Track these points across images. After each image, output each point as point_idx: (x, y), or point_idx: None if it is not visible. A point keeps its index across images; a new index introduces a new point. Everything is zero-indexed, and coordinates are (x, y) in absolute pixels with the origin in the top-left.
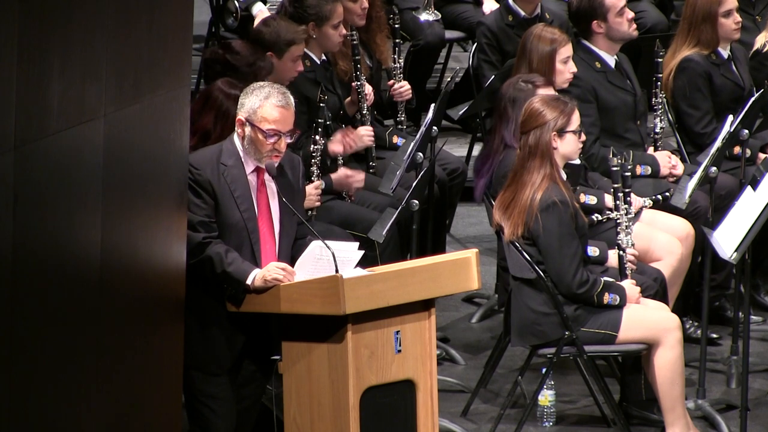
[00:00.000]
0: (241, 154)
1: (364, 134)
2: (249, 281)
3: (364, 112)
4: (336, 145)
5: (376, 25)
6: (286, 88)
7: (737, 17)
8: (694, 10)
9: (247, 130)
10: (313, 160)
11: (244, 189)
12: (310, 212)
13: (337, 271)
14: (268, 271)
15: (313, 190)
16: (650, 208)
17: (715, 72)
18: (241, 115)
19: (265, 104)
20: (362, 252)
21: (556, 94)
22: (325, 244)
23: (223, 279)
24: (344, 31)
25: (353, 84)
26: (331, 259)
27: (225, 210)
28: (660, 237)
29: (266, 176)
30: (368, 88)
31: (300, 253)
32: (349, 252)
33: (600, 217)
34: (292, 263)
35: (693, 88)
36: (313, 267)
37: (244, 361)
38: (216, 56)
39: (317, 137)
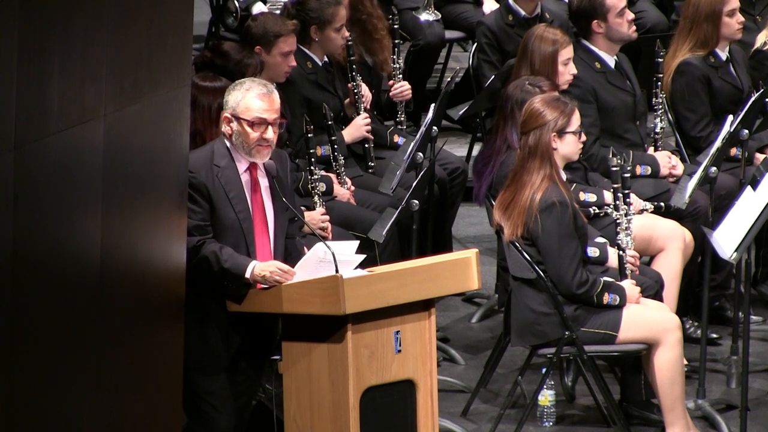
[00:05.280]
0: (232, 153)
1: (362, 123)
2: (248, 274)
3: (362, 112)
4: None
5: (371, 26)
6: (267, 81)
7: (740, 17)
8: (697, 8)
9: (234, 125)
10: (313, 191)
11: (239, 189)
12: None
13: (337, 270)
14: (270, 272)
15: (318, 216)
16: (651, 212)
17: (713, 75)
18: (227, 113)
19: (246, 95)
20: (363, 256)
21: (557, 94)
22: (327, 246)
23: (222, 276)
24: (346, 34)
25: (349, 85)
26: (332, 260)
27: (220, 212)
28: (662, 224)
29: (259, 173)
30: (365, 89)
31: (292, 254)
32: (349, 253)
33: (597, 210)
34: (285, 260)
35: (691, 92)
36: (314, 268)
37: (241, 359)
38: (205, 60)
39: (313, 168)
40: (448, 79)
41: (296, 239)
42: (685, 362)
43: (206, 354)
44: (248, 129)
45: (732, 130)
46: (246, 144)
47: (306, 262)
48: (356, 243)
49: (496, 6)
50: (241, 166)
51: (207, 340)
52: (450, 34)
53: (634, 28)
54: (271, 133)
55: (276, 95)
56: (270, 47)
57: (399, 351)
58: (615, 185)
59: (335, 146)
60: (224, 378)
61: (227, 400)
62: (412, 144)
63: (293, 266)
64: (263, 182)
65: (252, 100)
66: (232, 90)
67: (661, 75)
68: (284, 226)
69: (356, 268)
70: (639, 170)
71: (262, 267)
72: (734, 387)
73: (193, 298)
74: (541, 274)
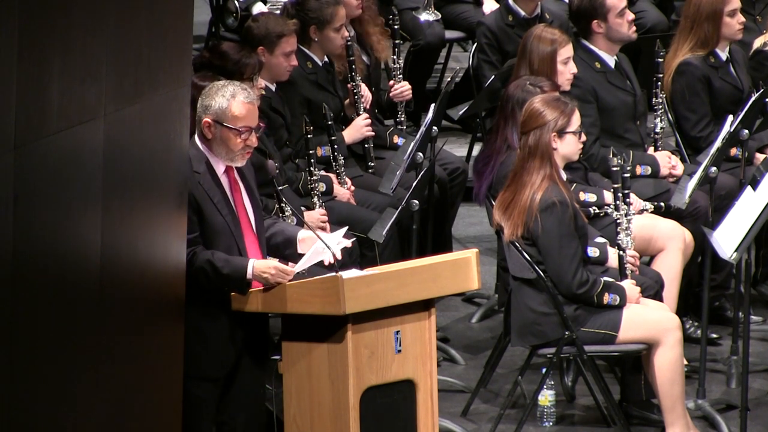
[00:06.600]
0: (208, 157)
1: (363, 124)
2: (249, 275)
3: (361, 113)
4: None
5: (368, 15)
6: (246, 86)
7: (741, 17)
8: (698, 8)
9: (217, 131)
10: (312, 192)
11: (221, 193)
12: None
13: (336, 267)
14: (272, 274)
15: (317, 216)
16: (651, 212)
17: (713, 75)
18: (208, 117)
19: (233, 102)
20: (351, 240)
21: (557, 94)
22: (324, 243)
23: (222, 283)
24: (346, 34)
25: (348, 85)
26: (326, 251)
27: (209, 218)
28: (662, 224)
29: (236, 174)
30: (364, 89)
31: (276, 236)
32: (337, 239)
33: (597, 210)
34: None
35: (691, 92)
36: (310, 262)
37: (239, 365)
38: (203, 60)
39: (313, 169)
40: (448, 79)
41: (267, 222)
42: (685, 362)
43: (205, 361)
44: (234, 137)
45: (732, 130)
46: (230, 150)
47: (304, 262)
48: (343, 230)
49: (496, 6)
50: (219, 168)
51: (205, 347)
52: (450, 34)
53: (634, 28)
54: (254, 139)
55: (256, 101)
56: (273, 47)
57: (399, 351)
58: (615, 185)
59: (335, 146)
60: (218, 385)
61: (211, 409)
62: (412, 144)
63: (278, 250)
64: (240, 182)
65: (240, 108)
66: (214, 95)
67: (661, 75)
68: (262, 221)
69: (355, 269)
70: (639, 170)
71: (261, 268)
72: (734, 387)
73: (188, 307)
74: (541, 274)
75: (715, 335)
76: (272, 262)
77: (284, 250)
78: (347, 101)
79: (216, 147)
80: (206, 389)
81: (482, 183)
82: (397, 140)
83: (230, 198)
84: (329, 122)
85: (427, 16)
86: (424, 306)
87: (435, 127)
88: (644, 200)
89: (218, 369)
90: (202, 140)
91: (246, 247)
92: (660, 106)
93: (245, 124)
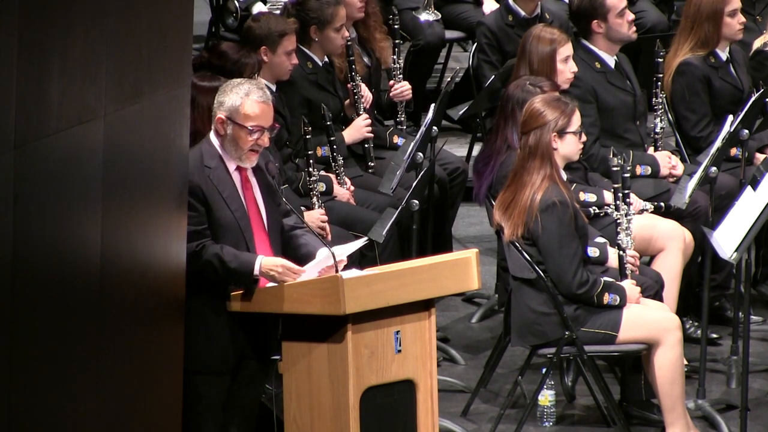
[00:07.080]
0: (221, 153)
1: (363, 125)
2: (256, 271)
3: (361, 113)
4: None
5: (374, 21)
6: (263, 85)
7: (741, 17)
8: (698, 8)
9: (229, 128)
10: (312, 192)
11: (232, 189)
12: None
13: (337, 270)
14: (279, 273)
15: (317, 216)
16: (651, 212)
17: (713, 75)
18: (221, 114)
19: (246, 101)
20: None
21: (558, 94)
22: (330, 250)
23: (229, 278)
24: (347, 34)
25: (348, 85)
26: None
27: (217, 212)
28: (662, 224)
29: (249, 172)
30: (364, 89)
31: (292, 245)
32: (354, 249)
33: (597, 210)
34: (286, 253)
35: (691, 92)
36: (319, 268)
37: (243, 361)
38: (202, 60)
39: (311, 169)
40: (448, 79)
41: (299, 231)
42: (685, 362)
43: (209, 355)
44: (245, 135)
45: (732, 130)
46: (239, 149)
47: (312, 266)
48: (362, 241)
49: (496, 6)
50: (231, 165)
51: (209, 341)
52: (450, 34)
53: (634, 28)
54: (266, 140)
55: (271, 101)
56: (275, 47)
57: (399, 351)
58: (615, 185)
59: (334, 147)
60: (221, 382)
61: (217, 405)
62: (412, 144)
63: (300, 261)
64: (253, 180)
65: (252, 107)
66: (229, 92)
67: (661, 75)
68: (278, 221)
69: (355, 268)
70: (639, 170)
71: (269, 265)
72: (734, 387)
73: (194, 301)
74: (541, 274)
75: (715, 335)
76: (280, 260)
77: (306, 263)
78: (347, 101)
79: (227, 144)
80: (210, 384)
81: (482, 183)
82: (397, 140)
83: (241, 194)
84: (328, 123)
85: (427, 16)
86: (424, 306)
87: (435, 127)
88: (644, 200)
89: (221, 363)
90: (216, 136)
91: (255, 244)
92: (660, 106)
93: (257, 123)
